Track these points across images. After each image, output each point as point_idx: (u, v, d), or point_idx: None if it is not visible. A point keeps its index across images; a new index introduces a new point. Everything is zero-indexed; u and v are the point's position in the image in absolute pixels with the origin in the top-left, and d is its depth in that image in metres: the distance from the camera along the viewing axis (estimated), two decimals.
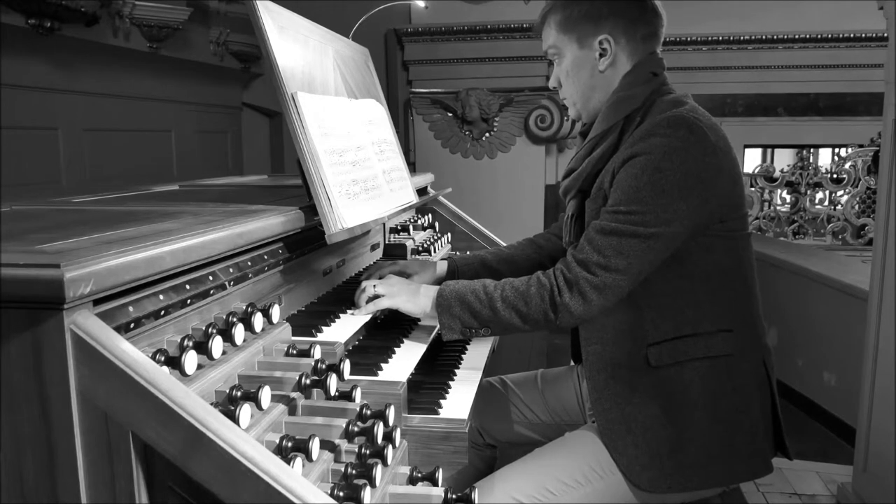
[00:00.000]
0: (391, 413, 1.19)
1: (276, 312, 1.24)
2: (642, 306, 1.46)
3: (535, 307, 1.44)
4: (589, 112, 1.61)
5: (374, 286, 1.53)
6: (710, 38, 5.65)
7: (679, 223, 1.38)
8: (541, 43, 1.64)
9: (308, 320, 1.44)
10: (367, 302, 1.52)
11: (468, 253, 2.06)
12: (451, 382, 1.57)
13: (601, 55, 1.53)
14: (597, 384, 1.52)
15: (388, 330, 1.58)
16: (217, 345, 1.03)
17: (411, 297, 1.53)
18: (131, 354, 0.83)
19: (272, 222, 1.30)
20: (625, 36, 1.52)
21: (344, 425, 1.11)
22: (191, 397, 0.82)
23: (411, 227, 2.40)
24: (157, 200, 1.63)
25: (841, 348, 3.53)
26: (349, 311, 1.51)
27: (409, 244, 2.22)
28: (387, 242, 2.21)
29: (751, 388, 1.50)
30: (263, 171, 5.10)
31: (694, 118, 1.40)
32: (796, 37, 5.58)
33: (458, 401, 1.46)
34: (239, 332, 1.10)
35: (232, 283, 1.17)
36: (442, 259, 1.88)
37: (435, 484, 1.21)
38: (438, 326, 1.54)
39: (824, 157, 6.46)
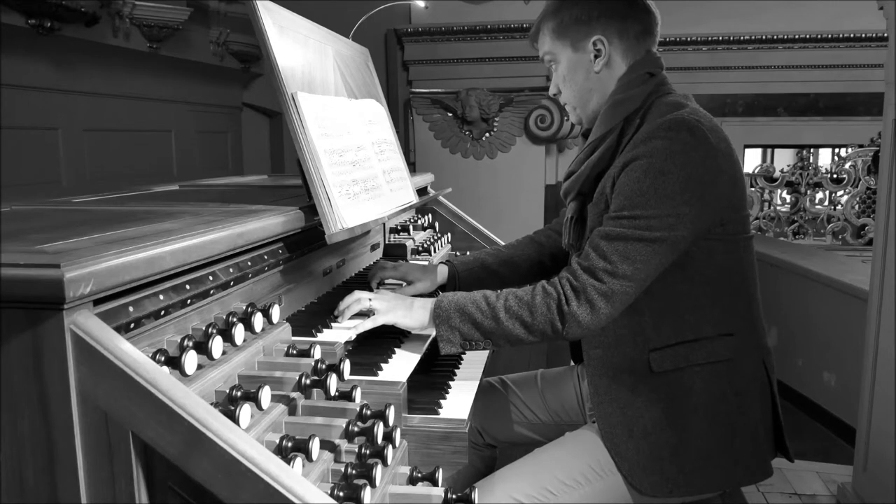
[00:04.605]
0: (391, 413, 1.18)
1: (276, 312, 1.24)
2: (644, 311, 1.46)
3: (540, 317, 1.40)
4: (588, 115, 1.61)
5: (370, 300, 1.49)
6: (710, 38, 5.65)
7: (683, 227, 1.37)
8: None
9: (308, 320, 1.44)
10: (359, 314, 1.48)
11: (468, 254, 2.05)
12: (450, 382, 1.57)
13: (596, 56, 1.53)
14: (599, 388, 1.51)
15: (387, 330, 1.57)
16: (217, 345, 1.03)
17: (407, 311, 1.49)
18: (131, 354, 0.83)
19: (272, 222, 1.30)
20: (618, 35, 1.52)
21: (344, 425, 1.11)
22: (191, 397, 0.82)
23: (411, 227, 2.40)
24: (157, 200, 1.63)
25: (841, 348, 3.53)
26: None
27: (409, 244, 2.22)
28: (387, 242, 2.21)
29: (751, 390, 1.50)
30: (263, 171, 5.10)
31: (695, 120, 1.39)
32: (796, 37, 5.58)
33: (458, 401, 1.46)
34: (239, 332, 1.10)
35: (232, 283, 1.17)
36: (441, 262, 1.88)
37: (435, 484, 1.21)
38: (437, 339, 1.47)
39: (824, 157, 6.47)
